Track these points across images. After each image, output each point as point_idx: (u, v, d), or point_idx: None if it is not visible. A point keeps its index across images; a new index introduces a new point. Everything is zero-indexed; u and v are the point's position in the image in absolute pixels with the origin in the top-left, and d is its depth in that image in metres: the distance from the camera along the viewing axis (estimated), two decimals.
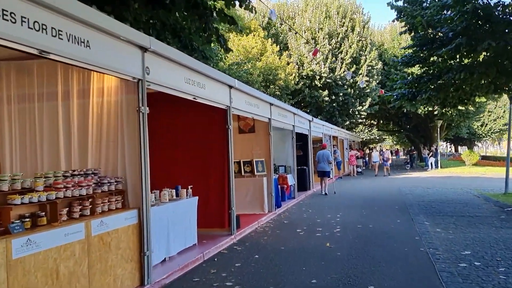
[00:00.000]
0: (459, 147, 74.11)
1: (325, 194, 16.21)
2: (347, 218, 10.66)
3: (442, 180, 22.24)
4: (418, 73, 12.08)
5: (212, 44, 15.59)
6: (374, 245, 7.63)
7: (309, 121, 18.14)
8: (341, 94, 29.88)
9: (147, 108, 5.41)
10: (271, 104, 11.79)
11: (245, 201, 11.43)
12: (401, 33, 12.12)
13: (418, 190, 17.24)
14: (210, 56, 11.67)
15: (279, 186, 13.53)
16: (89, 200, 4.73)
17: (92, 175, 5.10)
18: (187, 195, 7.41)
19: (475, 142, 69.79)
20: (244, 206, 11.37)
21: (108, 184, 5.10)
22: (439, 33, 10.88)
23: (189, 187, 7.48)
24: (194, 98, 6.96)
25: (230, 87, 8.54)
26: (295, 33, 26.39)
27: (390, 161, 27.50)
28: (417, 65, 12.19)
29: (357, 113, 31.06)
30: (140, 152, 5.29)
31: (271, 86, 23.55)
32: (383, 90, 17.98)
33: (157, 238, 6.10)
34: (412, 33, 11.37)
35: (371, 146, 51.04)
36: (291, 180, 14.53)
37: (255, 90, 10.32)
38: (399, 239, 8.08)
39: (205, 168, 8.48)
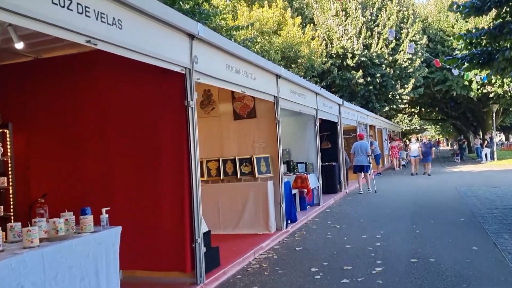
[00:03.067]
0: (510, 136, 67.68)
1: (369, 191, 13.95)
2: (392, 242, 7.06)
3: (505, 175, 17.98)
4: (496, 23, 8.11)
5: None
6: None
7: (339, 105, 14.42)
8: (378, 75, 25.18)
9: None
10: (278, 76, 8.25)
11: (242, 216, 7.99)
12: None
13: (481, 190, 13.24)
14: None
15: (296, 190, 10.10)
16: None
17: None
18: (101, 225, 4.07)
19: None
20: (241, 224, 7.97)
21: None
22: None
23: (103, 210, 4.11)
24: (96, 45, 3.55)
25: (192, 37, 5.07)
26: None
27: (433, 155, 20.48)
28: (494, 11, 8.27)
29: (398, 97, 26.55)
30: None
31: (292, 66, 19.65)
32: (438, 60, 13.91)
33: None
34: None
35: (410, 136, 46.23)
36: (314, 181, 10.93)
37: (242, 48, 6.67)
38: None
39: (150, 174, 5.06)
